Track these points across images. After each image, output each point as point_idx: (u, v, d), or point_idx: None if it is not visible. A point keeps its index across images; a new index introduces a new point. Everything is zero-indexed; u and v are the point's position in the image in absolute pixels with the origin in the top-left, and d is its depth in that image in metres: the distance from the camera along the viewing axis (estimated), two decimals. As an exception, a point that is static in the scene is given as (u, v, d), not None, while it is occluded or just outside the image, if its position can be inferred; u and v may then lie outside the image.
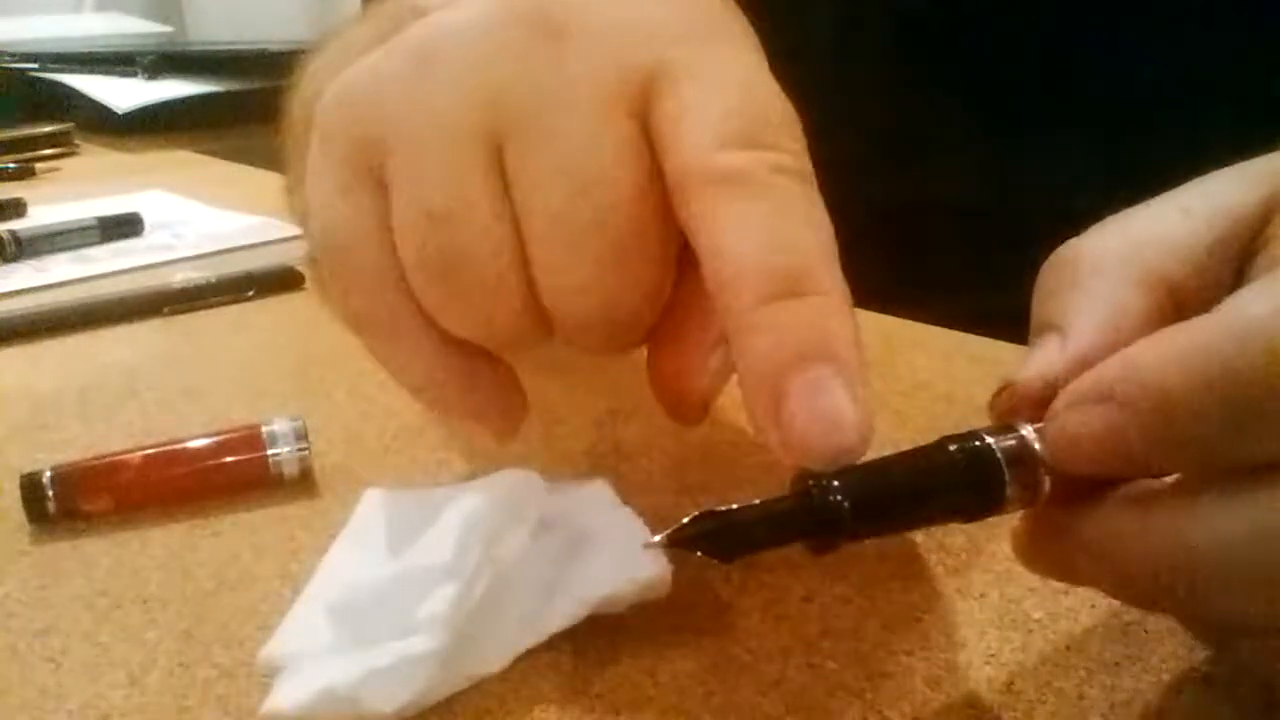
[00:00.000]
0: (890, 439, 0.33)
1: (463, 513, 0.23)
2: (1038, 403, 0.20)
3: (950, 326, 0.42)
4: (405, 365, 0.24)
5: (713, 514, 0.19)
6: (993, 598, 0.25)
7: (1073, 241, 0.22)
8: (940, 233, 0.54)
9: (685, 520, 0.19)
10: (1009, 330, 0.39)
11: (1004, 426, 0.20)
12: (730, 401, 0.36)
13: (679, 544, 0.19)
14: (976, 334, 0.41)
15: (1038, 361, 0.20)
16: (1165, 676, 0.22)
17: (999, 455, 0.19)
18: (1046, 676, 0.22)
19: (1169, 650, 0.23)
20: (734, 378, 0.21)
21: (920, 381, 0.38)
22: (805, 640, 0.24)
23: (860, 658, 0.23)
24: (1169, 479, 0.18)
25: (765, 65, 0.23)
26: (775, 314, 0.19)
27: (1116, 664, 0.23)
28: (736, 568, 0.27)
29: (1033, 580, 0.25)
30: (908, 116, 0.54)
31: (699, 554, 0.19)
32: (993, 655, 0.23)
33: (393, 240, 0.22)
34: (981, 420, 0.34)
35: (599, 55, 0.21)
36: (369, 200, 0.22)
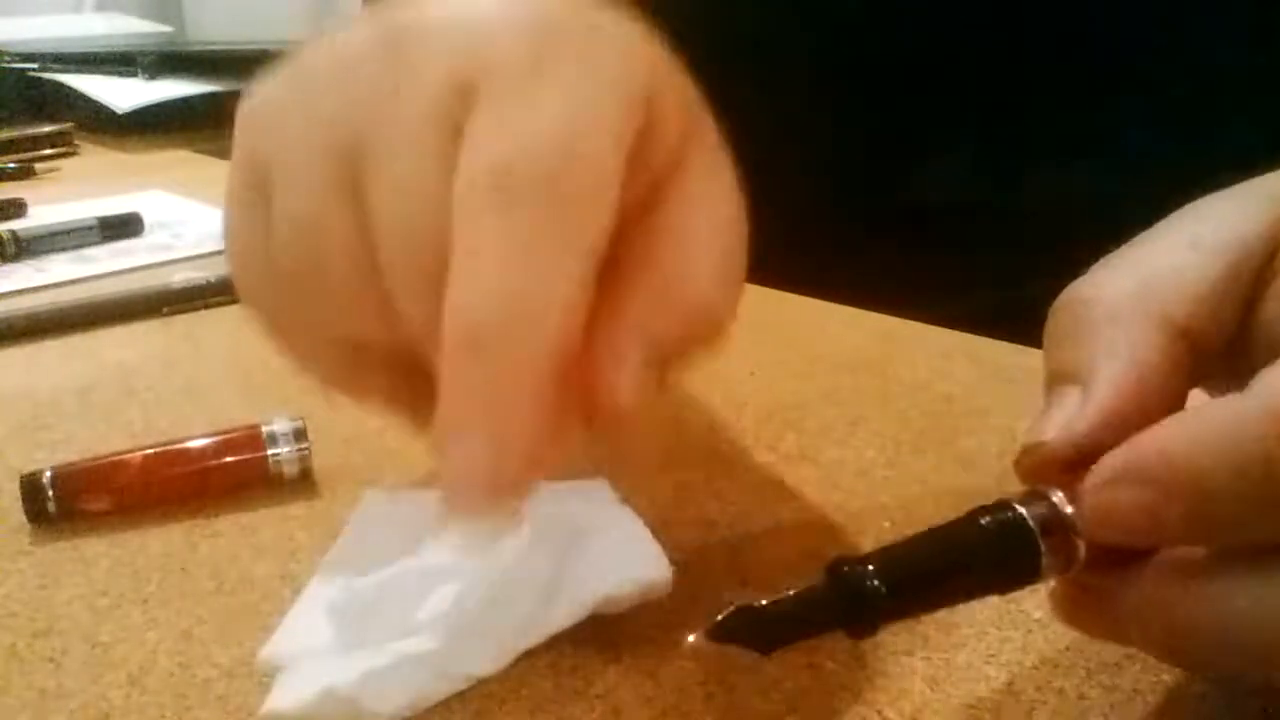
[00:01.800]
0: (892, 439, 0.33)
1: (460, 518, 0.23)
2: (1065, 462, 0.20)
3: (950, 326, 0.42)
4: (302, 361, 0.25)
5: (749, 609, 0.19)
6: (993, 598, 0.25)
7: (1083, 282, 0.22)
8: (940, 233, 0.54)
9: (720, 616, 0.19)
10: (1009, 330, 0.39)
11: (1032, 493, 0.20)
12: (729, 401, 0.36)
13: (717, 639, 0.19)
14: (976, 334, 0.41)
15: (1061, 419, 0.20)
16: (1165, 676, 0.22)
17: (1032, 526, 0.19)
18: (1046, 676, 0.22)
19: (1169, 650, 0.23)
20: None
21: (920, 381, 0.38)
22: (805, 640, 0.24)
23: (860, 658, 0.23)
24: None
25: (592, 89, 0.21)
26: (450, 369, 0.19)
27: (1116, 664, 0.23)
28: (736, 567, 0.27)
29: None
30: (908, 117, 0.54)
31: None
32: (993, 655, 0.23)
33: (269, 238, 0.23)
34: (980, 420, 0.34)
35: (430, 68, 0.21)
36: (258, 216, 0.23)
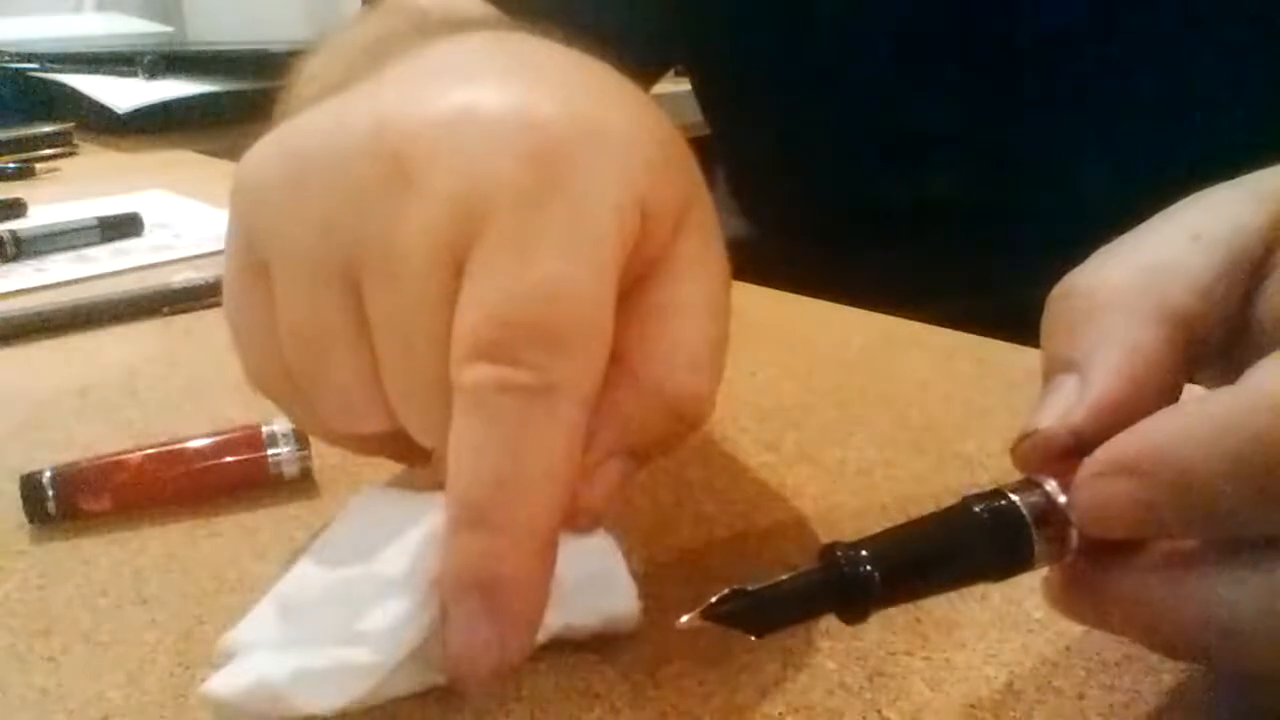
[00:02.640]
0: (891, 439, 0.33)
1: (429, 527, 0.23)
2: (1062, 450, 0.20)
3: (950, 326, 0.42)
4: (306, 428, 0.26)
5: (743, 592, 0.19)
6: (993, 598, 0.25)
7: (1082, 270, 0.22)
8: (940, 233, 0.54)
9: (714, 599, 0.19)
10: (1009, 330, 0.39)
11: (1026, 482, 0.20)
12: (729, 401, 0.36)
13: (710, 619, 0.19)
14: (976, 334, 0.41)
15: (1058, 406, 0.20)
16: (1165, 676, 0.22)
17: (1025, 514, 0.19)
18: (1046, 676, 0.22)
19: (1169, 650, 0.23)
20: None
21: (920, 381, 0.38)
22: (805, 640, 0.24)
23: (860, 658, 0.23)
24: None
25: (591, 226, 0.21)
26: (456, 541, 0.20)
27: (1116, 664, 0.23)
28: (736, 567, 0.27)
29: (1033, 580, 0.25)
30: (908, 116, 0.54)
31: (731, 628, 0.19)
32: (993, 655, 0.23)
33: (274, 326, 0.23)
34: (980, 420, 0.34)
35: (435, 209, 0.21)
36: (259, 296, 0.23)
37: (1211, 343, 0.21)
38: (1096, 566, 0.19)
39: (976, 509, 0.19)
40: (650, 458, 0.23)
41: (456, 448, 0.20)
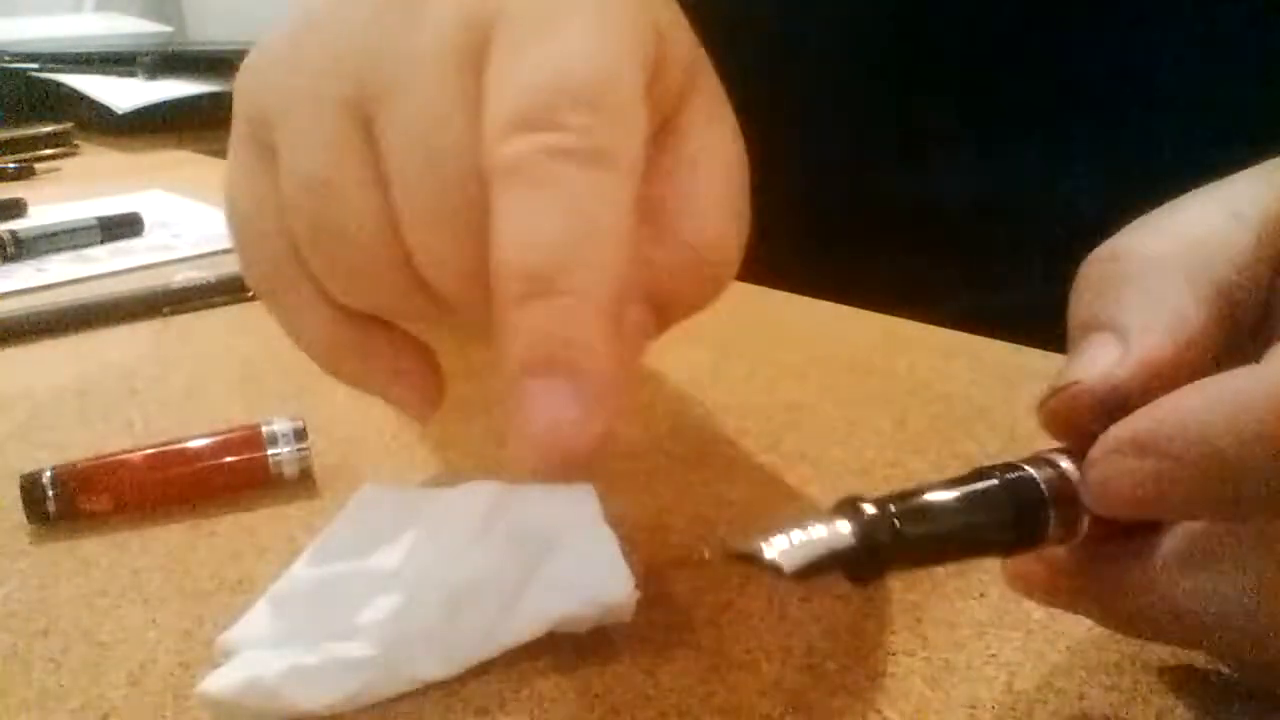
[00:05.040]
0: (891, 439, 0.34)
1: (426, 523, 0.23)
2: (1097, 407, 0.19)
3: (950, 326, 0.42)
4: (304, 335, 0.24)
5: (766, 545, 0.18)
6: (993, 598, 0.25)
7: (1118, 239, 0.21)
8: (940, 233, 0.54)
9: (739, 550, 0.18)
10: (1009, 330, 0.39)
11: (1040, 459, 0.19)
12: (729, 401, 0.36)
13: (739, 558, 0.18)
14: (976, 334, 0.41)
15: (1099, 362, 0.19)
16: (1165, 676, 0.22)
17: (1045, 493, 0.19)
18: (1046, 676, 0.22)
19: (1169, 650, 0.23)
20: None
21: (920, 381, 0.38)
22: (805, 640, 0.24)
23: (860, 658, 0.23)
24: (1180, 528, 0.19)
25: (612, 19, 0.21)
26: (520, 316, 0.19)
27: (1116, 664, 0.23)
28: (736, 568, 0.27)
29: (1033, 580, 0.25)
30: (907, 116, 0.54)
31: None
32: (993, 655, 0.23)
33: (278, 206, 0.22)
34: (980, 420, 0.34)
35: (449, 14, 0.21)
36: (263, 173, 0.23)
37: (1245, 321, 0.20)
38: (1078, 559, 0.19)
39: (995, 481, 0.19)
40: (677, 316, 0.23)
41: (504, 225, 0.19)
